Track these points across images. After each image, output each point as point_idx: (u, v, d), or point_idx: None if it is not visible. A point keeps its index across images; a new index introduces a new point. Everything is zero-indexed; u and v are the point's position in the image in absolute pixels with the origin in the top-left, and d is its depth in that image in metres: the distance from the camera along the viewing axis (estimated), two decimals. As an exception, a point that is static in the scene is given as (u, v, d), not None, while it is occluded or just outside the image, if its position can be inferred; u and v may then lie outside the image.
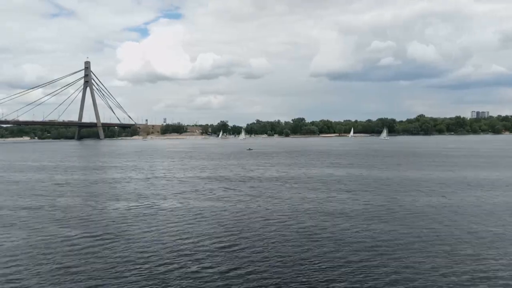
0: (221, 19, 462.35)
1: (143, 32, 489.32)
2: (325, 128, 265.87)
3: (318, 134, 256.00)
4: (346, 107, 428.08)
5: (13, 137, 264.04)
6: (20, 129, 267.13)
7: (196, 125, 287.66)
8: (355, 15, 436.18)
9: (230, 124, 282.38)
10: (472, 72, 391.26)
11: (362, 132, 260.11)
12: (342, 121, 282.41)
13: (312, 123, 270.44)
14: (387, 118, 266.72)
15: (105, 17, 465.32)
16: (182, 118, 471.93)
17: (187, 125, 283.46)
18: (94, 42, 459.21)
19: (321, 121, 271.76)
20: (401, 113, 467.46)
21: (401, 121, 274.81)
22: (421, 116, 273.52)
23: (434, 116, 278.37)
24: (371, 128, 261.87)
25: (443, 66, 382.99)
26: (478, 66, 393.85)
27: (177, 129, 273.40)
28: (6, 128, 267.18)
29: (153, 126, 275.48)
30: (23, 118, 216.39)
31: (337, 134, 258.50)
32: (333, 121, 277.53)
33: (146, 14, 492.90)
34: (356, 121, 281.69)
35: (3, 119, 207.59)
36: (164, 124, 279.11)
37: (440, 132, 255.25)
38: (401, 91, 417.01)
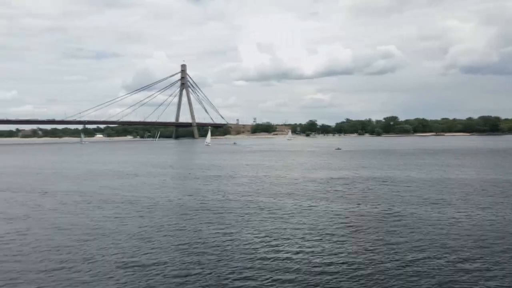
0: (356, 14, 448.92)
1: (272, 30, 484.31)
2: (420, 127, 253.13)
3: (413, 133, 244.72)
4: (464, 104, 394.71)
5: (118, 136, 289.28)
6: (124, 128, 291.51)
7: (285, 125, 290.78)
8: (498, 2, 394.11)
9: (319, 123, 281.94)
10: None
11: (462, 131, 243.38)
12: (440, 119, 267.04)
13: (406, 121, 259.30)
14: (490, 116, 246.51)
15: (243, 18, 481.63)
16: (289, 117, 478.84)
17: (276, 125, 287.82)
18: (222, 44, 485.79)
19: (415, 119, 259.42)
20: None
21: (507, 119, 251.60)
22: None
23: None
24: (471, 127, 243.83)
25: None
26: None
27: (267, 129, 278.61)
28: (112, 128, 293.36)
29: (243, 125, 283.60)
30: (127, 118, 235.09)
31: (434, 133, 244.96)
32: (429, 119, 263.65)
33: (282, 13, 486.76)
34: (454, 119, 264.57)
35: (112, 119, 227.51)
36: (254, 123, 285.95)
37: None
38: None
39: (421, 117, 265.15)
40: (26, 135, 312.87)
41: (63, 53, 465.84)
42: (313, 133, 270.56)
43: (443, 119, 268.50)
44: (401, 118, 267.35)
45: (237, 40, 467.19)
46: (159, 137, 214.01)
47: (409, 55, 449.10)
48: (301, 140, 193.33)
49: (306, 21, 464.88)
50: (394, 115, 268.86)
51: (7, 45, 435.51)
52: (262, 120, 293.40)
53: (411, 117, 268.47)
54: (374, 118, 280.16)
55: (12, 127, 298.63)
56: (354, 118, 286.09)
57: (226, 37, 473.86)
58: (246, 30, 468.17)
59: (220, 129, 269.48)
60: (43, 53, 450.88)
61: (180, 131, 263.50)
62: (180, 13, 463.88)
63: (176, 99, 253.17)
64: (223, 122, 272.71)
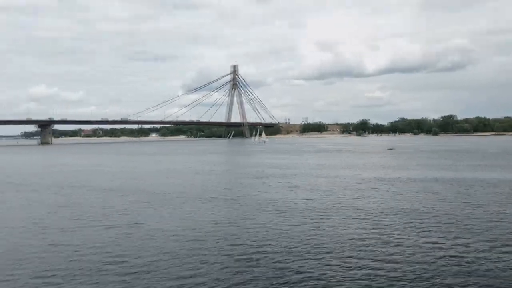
0: (424, 9, 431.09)
1: (335, 27, 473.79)
2: (481, 126, 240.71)
3: (472, 133, 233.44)
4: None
5: (172, 135, 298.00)
6: (177, 128, 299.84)
7: (336, 124, 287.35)
8: None
9: (373, 122, 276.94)
10: None
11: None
12: (503, 117, 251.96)
13: (465, 120, 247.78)
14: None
15: (306, 16, 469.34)
16: (343, 116, 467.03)
17: (328, 124, 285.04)
18: (283, 42, 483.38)
19: (475, 118, 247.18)
20: None
21: None
22: None
23: None
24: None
25: None
26: None
27: (317, 128, 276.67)
28: (167, 128, 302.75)
29: (293, 125, 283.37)
30: (181, 118, 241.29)
31: (494, 133, 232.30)
32: (490, 118, 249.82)
33: (347, 9, 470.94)
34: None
35: (167, 120, 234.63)
36: (304, 123, 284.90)
37: None
38: None
39: (481, 116, 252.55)
40: (87, 134, 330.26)
41: (129, 56, 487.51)
42: (365, 132, 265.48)
43: (505, 117, 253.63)
44: (459, 117, 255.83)
45: (299, 38, 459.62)
46: (231, 137, 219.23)
47: (480, 50, 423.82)
48: (351, 139, 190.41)
49: (371, 16, 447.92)
50: (451, 113, 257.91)
51: (78, 49, 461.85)
52: (314, 119, 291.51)
53: (470, 116, 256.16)
54: (430, 117, 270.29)
55: (76, 127, 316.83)
56: (409, 117, 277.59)
57: (288, 36, 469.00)
58: (309, 27, 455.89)
59: (271, 129, 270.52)
60: (110, 56, 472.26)
61: (231, 130, 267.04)
62: (245, 13, 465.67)
63: (228, 99, 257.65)
64: (274, 121, 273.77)
